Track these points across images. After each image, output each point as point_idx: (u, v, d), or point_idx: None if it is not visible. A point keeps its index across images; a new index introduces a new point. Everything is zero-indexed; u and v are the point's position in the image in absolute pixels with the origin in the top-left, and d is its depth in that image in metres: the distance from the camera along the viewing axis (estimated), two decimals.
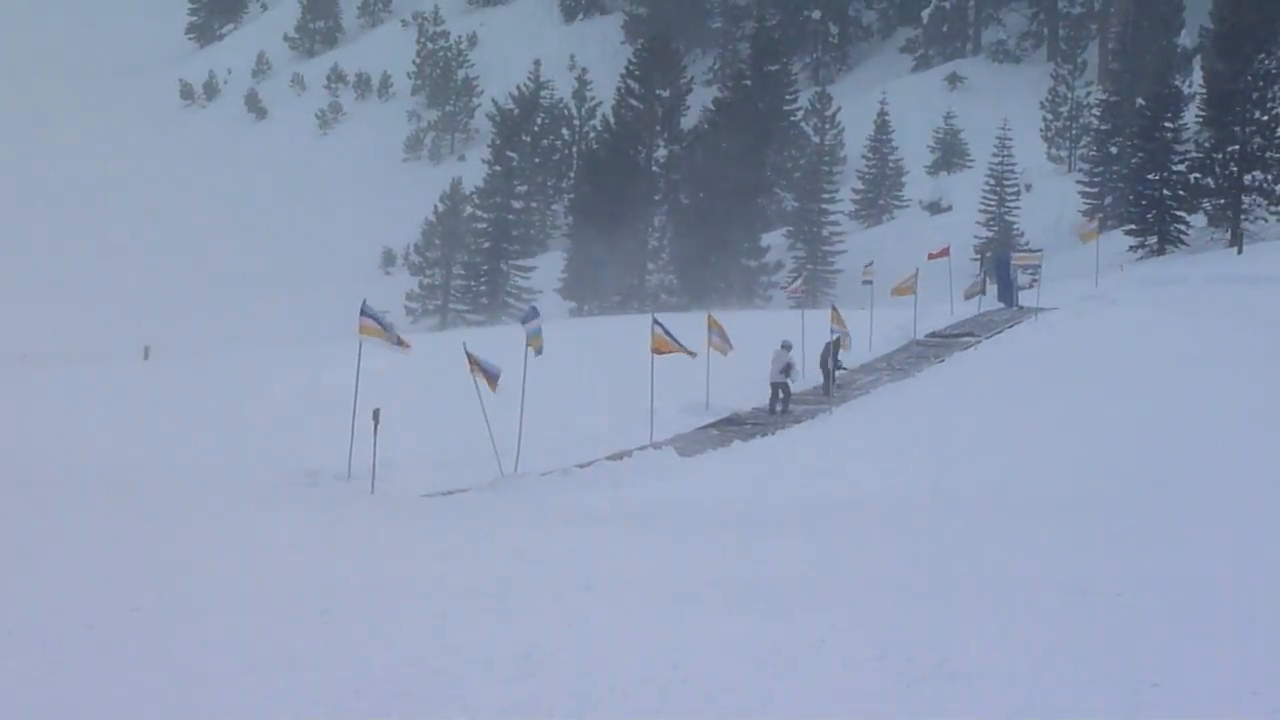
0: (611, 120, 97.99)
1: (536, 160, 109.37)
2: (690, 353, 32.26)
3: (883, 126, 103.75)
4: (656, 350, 31.55)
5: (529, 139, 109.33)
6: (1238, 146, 72.87)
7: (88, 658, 10.86)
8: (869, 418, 33.80)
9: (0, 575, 13.94)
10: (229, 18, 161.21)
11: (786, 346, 35.64)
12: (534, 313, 30.78)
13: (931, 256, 53.40)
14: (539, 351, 29.04)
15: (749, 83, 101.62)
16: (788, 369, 35.28)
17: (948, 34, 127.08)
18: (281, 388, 40.66)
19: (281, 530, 18.39)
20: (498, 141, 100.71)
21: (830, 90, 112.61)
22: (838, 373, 37.38)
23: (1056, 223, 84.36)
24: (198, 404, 38.71)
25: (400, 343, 27.49)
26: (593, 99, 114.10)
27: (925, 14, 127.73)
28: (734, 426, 33.31)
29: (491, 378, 26.94)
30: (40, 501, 20.55)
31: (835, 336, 37.38)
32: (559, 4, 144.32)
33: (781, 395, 35.14)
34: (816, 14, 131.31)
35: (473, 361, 26.91)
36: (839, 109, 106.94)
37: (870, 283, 47.11)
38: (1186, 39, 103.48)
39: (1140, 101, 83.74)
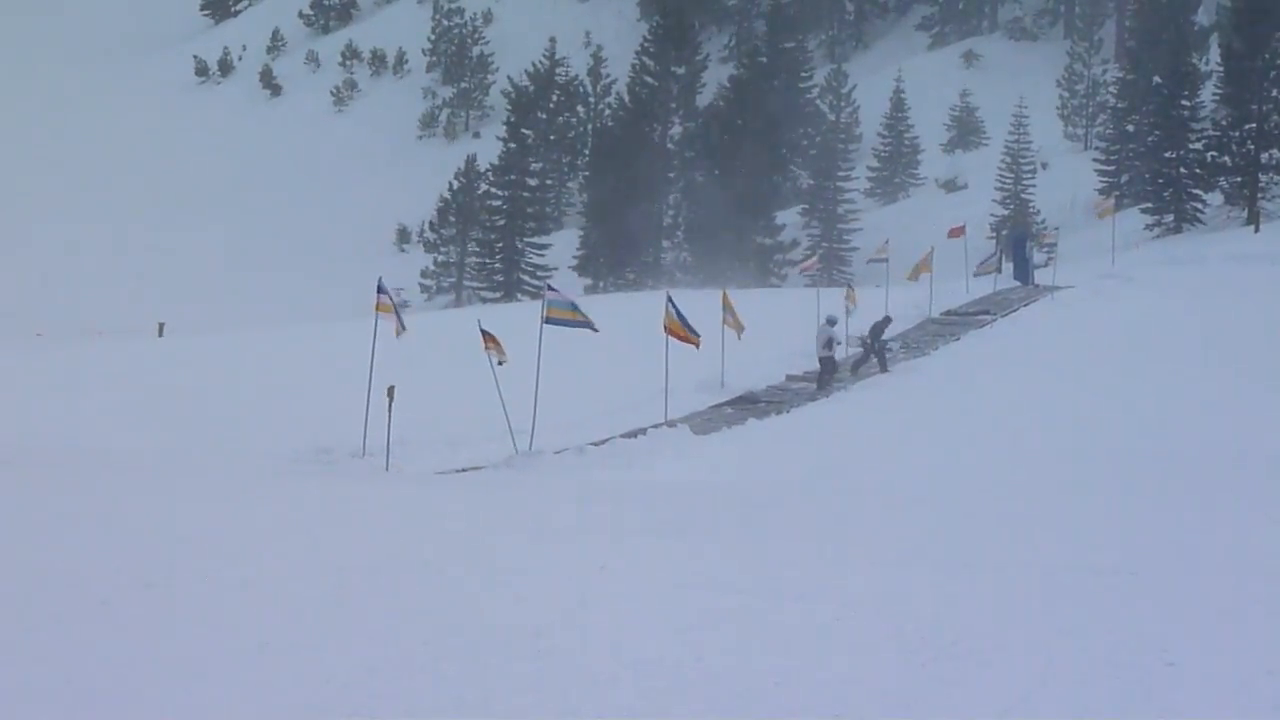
0: (626, 97, 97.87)
1: (551, 137, 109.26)
2: (694, 342, 31.83)
3: (898, 104, 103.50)
4: (670, 329, 31.50)
5: (544, 116, 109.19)
6: (1255, 124, 72.58)
7: (102, 634, 10.87)
8: (884, 396, 33.80)
9: (14, 551, 13.96)
10: None
11: (831, 321, 35.82)
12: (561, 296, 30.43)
13: (951, 234, 53.38)
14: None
15: (764, 60, 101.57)
16: (829, 344, 35.40)
17: (964, 11, 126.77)
18: (296, 364, 40.72)
19: (295, 507, 18.40)
20: (513, 119, 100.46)
21: (846, 68, 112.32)
22: (877, 349, 37.56)
23: (1072, 201, 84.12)
24: (212, 380, 38.77)
25: (398, 327, 27.44)
26: (608, 76, 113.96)
27: None
28: (749, 405, 33.29)
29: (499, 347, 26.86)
30: (54, 477, 20.60)
31: (883, 316, 37.71)
32: None
33: (823, 370, 35.25)
34: None
35: (487, 338, 26.87)
36: (855, 86, 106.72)
37: (886, 260, 47.04)
38: (1204, 16, 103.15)
39: (1157, 79, 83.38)
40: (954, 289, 49.70)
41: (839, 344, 36.12)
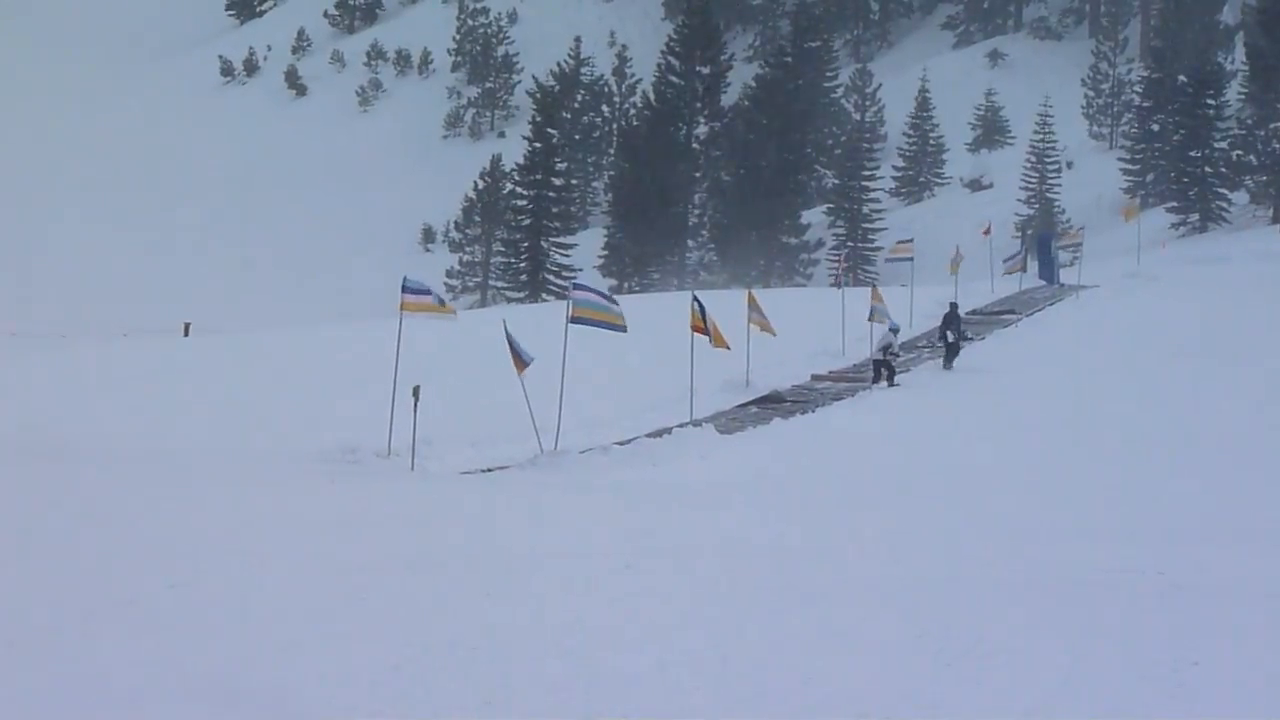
0: (652, 97, 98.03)
1: (576, 137, 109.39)
2: (723, 345, 31.71)
3: (923, 103, 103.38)
4: (696, 329, 31.38)
5: (569, 116, 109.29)
6: None
7: (127, 633, 10.91)
8: (909, 395, 33.75)
9: (40, 551, 14.02)
10: None
11: (894, 329, 36.01)
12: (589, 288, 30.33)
13: (985, 234, 53.67)
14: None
15: (789, 59, 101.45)
16: (887, 349, 35.55)
17: (989, 10, 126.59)
18: (321, 363, 40.77)
19: (320, 507, 18.43)
20: (538, 118, 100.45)
21: (871, 67, 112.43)
22: (962, 343, 37.62)
23: (1098, 200, 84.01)
24: (237, 380, 38.83)
25: (444, 305, 27.60)
26: (633, 75, 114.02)
27: None
28: (774, 404, 33.25)
29: (523, 362, 26.73)
30: (80, 477, 20.65)
31: (950, 306, 37.84)
32: None
33: (885, 372, 35.30)
34: None
35: (511, 343, 26.82)
36: (880, 86, 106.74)
37: (911, 259, 46.95)
38: (1229, 15, 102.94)
39: (1182, 78, 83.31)
40: (979, 288, 49.62)
41: (896, 354, 36.23)
